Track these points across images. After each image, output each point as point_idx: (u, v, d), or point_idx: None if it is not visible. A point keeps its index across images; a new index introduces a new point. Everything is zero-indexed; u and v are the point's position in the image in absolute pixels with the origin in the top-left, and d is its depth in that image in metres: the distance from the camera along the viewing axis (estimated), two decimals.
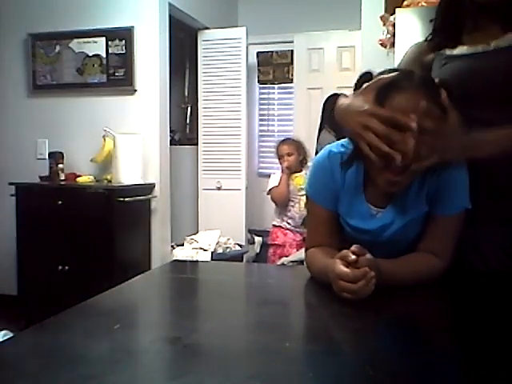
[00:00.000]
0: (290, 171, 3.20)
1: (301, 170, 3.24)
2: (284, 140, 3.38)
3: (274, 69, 4.88)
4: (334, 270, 1.01)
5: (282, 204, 3.23)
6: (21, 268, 3.26)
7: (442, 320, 1.01)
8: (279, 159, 3.27)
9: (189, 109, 4.71)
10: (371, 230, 1.19)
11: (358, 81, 1.17)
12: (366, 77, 1.15)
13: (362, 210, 1.20)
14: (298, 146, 3.26)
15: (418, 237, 1.19)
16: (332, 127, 3.62)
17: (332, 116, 3.98)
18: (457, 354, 0.83)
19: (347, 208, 1.22)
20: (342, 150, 1.21)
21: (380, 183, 1.12)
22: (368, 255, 1.01)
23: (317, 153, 3.67)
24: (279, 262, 3.26)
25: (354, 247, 1.02)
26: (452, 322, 1.01)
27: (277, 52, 4.84)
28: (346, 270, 0.99)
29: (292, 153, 3.21)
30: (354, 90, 1.17)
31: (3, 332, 2.18)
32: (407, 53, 1.48)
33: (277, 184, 3.22)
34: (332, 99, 3.67)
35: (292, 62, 4.57)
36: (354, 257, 1.00)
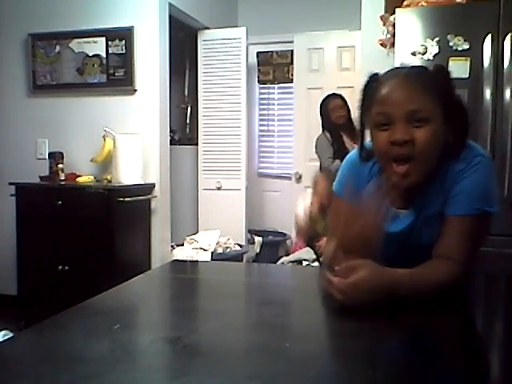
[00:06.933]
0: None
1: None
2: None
3: (274, 69, 4.88)
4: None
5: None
6: (21, 268, 3.26)
7: (447, 324, 1.01)
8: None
9: (189, 109, 4.71)
10: (395, 232, 1.17)
11: (366, 82, 1.17)
12: (374, 78, 1.15)
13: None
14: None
15: None
16: (328, 130, 3.61)
17: (328, 119, 3.96)
18: (458, 358, 0.83)
19: None
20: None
21: (391, 178, 1.12)
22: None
23: (319, 157, 3.68)
24: (279, 262, 3.27)
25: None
26: (457, 328, 1.01)
27: (277, 52, 4.84)
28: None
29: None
30: (363, 92, 1.16)
31: (3, 332, 2.18)
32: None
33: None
34: (326, 101, 3.66)
35: (292, 62, 4.56)
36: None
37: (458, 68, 2.37)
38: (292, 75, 4.60)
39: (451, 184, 1.13)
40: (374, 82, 1.15)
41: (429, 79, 1.11)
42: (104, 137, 3.36)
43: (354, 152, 1.28)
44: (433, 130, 1.07)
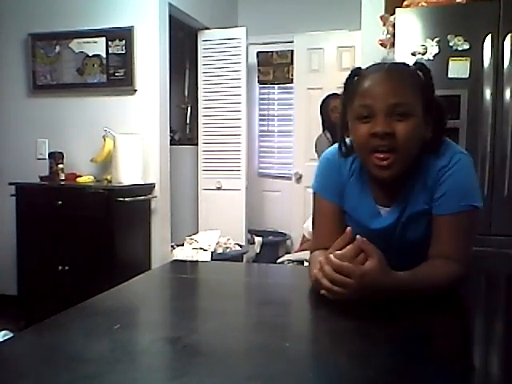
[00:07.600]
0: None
1: None
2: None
3: (274, 69, 4.88)
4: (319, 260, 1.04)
5: None
6: (21, 268, 3.26)
7: (447, 324, 1.01)
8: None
9: (189, 109, 4.70)
10: (378, 229, 1.18)
11: (348, 76, 1.19)
12: (357, 72, 1.18)
13: (368, 207, 1.20)
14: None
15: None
16: (329, 130, 3.61)
17: (328, 119, 3.97)
18: (457, 358, 0.83)
19: (354, 204, 1.22)
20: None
21: (372, 170, 1.12)
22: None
23: (319, 157, 3.69)
24: (279, 260, 3.27)
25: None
26: (456, 328, 1.01)
27: (277, 52, 4.84)
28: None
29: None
30: (345, 85, 1.19)
31: (3, 332, 2.18)
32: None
33: None
34: (326, 101, 3.67)
35: (292, 62, 4.56)
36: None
37: (458, 68, 2.37)
38: (292, 75, 4.60)
39: (435, 181, 1.14)
40: (356, 75, 1.17)
41: (410, 75, 1.13)
42: (104, 137, 3.36)
43: (331, 149, 1.28)
44: (413, 124, 1.09)
